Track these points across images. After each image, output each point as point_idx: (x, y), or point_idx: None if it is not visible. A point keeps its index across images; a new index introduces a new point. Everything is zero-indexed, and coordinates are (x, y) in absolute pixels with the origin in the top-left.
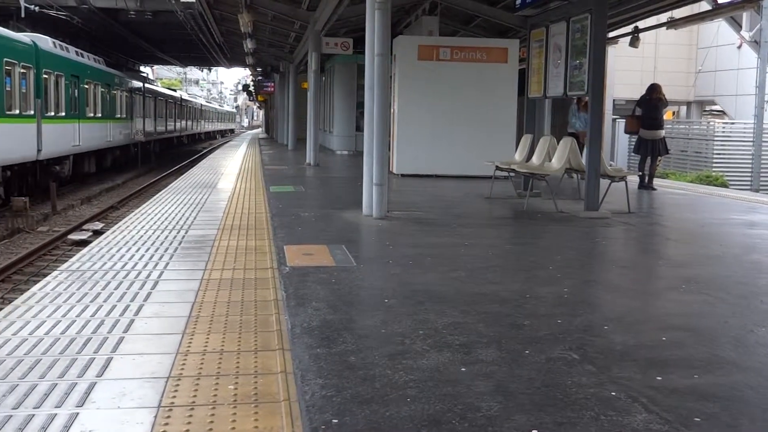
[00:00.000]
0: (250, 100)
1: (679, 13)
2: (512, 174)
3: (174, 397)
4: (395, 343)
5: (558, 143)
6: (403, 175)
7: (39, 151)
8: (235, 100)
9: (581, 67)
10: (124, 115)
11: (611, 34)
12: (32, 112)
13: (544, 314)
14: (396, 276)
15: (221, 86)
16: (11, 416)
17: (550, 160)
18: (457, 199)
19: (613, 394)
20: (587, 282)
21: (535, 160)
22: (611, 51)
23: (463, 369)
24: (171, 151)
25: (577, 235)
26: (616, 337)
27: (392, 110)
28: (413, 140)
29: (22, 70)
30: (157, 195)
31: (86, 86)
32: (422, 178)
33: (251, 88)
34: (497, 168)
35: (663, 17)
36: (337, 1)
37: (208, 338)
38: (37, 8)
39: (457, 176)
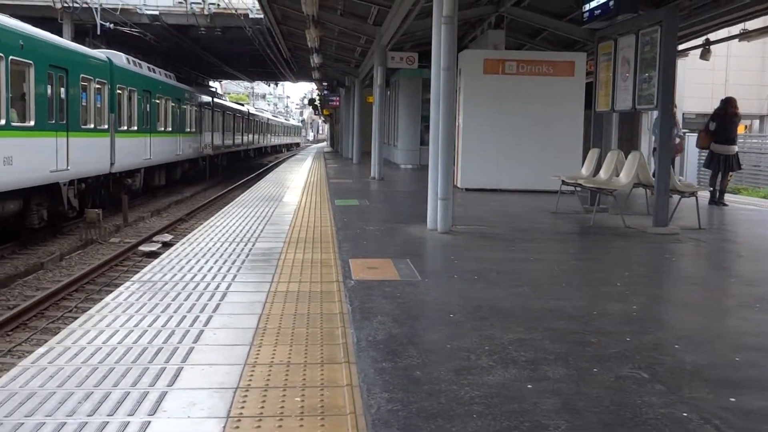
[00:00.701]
0: (315, 114)
1: (752, 24)
2: (579, 189)
3: (242, 408)
4: (461, 359)
5: (626, 157)
6: (467, 190)
7: (112, 164)
8: (301, 114)
9: (650, 81)
10: (194, 130)
11: (681, 47)
12: (106, 127)
13: (612, 331)
14: (461, 291)
15: (287, 100)
16: (86, 423)
17: (618, 175)
18: (522, 214)
19: (685, 415)
20: (656, 299)
21: (602, 174)
22: (681, 64)
23: (529, 386)
24: (238, 164)
25: (646, 251)
26: (687, 356)
27: (457, 124)
28: (478, 154)
29: (97, 86)
30: (224, 208)
31: (157, 101)
32: (487, 193)
33: (317, 103)
34: (563, 182)
35: (735, 29)
36: (404, 15)
37: (275, 350)
38: (112, 26)
39: (523, 191)
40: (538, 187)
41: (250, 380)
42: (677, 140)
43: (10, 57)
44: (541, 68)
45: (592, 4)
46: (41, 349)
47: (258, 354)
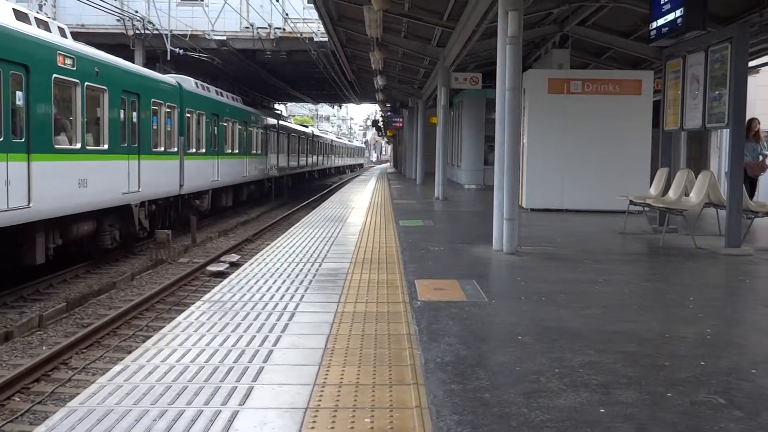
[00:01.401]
0: (378, 135)
1: None
2: (647, 209)
3: (312, 428)
4: (530, 381)
5: (695, 177)
6: (533, 210)
7: (181, 186)
8: (364, 135)
9: (721, 98)
10: (259, 152)
11: (752, 63)
12: (176, 150)
13: (685, 355)
14: (528, 312)
15: (351, 122)
16: None
17: (688, 194)
18: (589, 234)
19: None
20: (731, 322)
21: (671, 194)
22: (752, 81)
23: (601, 410)
24: (303, 185)
25: (718, 272)
26: (765, 381)
27: (522, 144)
28: (543, 174)
29: (167, 110)
30: (290, 229)
31: (225, 124)
32: (552, 213)
33: (380, 124)
34: (631, 202)
35: None
36: (467, 36)
37: (343, 371)
38: (181, 51)
39: (589, 211)
40: (604, 207)
41: (320, 400)
42: (760, 158)
43: (86, 83)
44: (607, 87)
45: (660, 22)
46: (117, 367)
47: (327, 374)
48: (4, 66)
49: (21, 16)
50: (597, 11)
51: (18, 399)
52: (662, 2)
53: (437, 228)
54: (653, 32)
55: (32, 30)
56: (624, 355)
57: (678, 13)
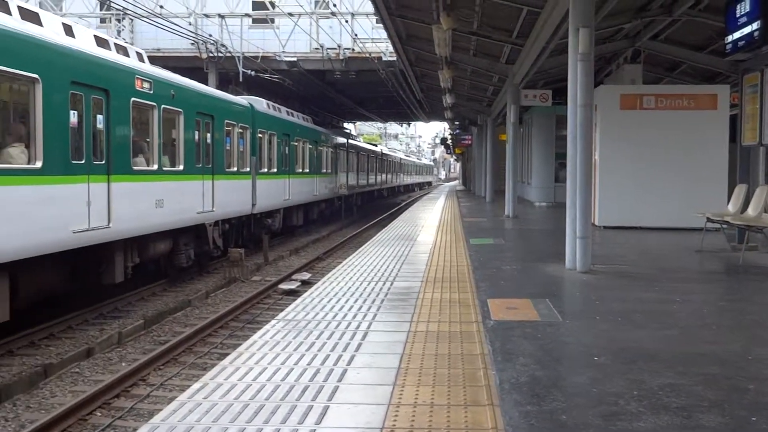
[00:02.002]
0: (447, 153)
1: None
2: (725, 226)
3: None
4: (608, 403)
5: None
6: (605, 228)
7: (254, 205)
8: (433, 153)
9: None
10: (329, 170)
11: None
12: (248, 170)
13: None
14: (604, 332)
15: (419, 140)
16: None
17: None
18: (664, 252)
19: None
20: None
21: (750, 211)
22: None
23: None
24: (372, 203)
25: None
26: None
27: (594, 160)
28: (616, 191)
29: (239, 131)
30: (361, 247)
31: (295, 143)
32: (626, 230)
33: (449, 141)
34: (708, 220)
35: None
36: (537, 53)
37: (418, 390)
38: (253, 73)
39: (664, 228)
40: (679, 225)
41: (395, 420)
42: None
43: (163, 106)
44: (681, 102)
45: (736, 36)
46: (196, 385)
47: (401, 394)
48: (86, 91)
49: (101, 42)
50: (670, 25)
51: (99, 414)
52: (738, 15)
53: (508, 246)
54: (729, 46)
55: (112, 55)
56: (704, 377)
57: (755, 26)
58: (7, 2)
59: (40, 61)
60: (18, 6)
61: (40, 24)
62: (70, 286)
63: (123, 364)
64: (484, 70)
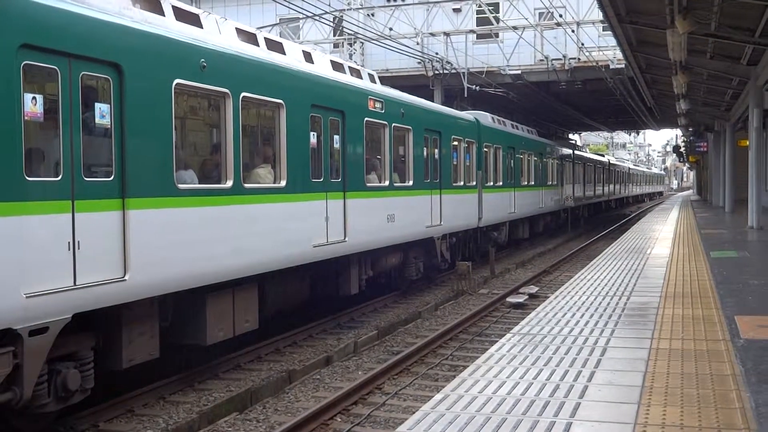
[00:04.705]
0: (679, 161)
1: None
2: None
3: None
4: None
5: None
6: None
7: (479, 218)
8: (663, 161)
9: None
10: (555, 182)
11: None
12: (474, 183)
13: None
14: None
15: (648, 148)
16: None
17: None
18: None
19: None
20: None
21: None
22: None
23: None
24: (598, 215)
25: None
26: None
27: None
28: None
29: (465, 145)
30: (592, 261)
31: (520, 156)
32: None
33: (681, 149)
34: None
35: None
36: None
37: (665, 411)
38: (477, 88)
39: None
40: None
41: None
42: None
43: (393, 124)
44: None
45: None
46: (438, 396)
47: (647, 414)
48: (324, 113)
49: (337, 66)
50: None
51: (339, 419)
52: None
53: (755, 260)
54: None
55: (347, 78)
56: None
57: None
58: (255, 35)
59: (285, 87)
60: (265, 37)
61: (284, 53)
62: (310, 297)
63: (359, 372)
64: (722, 74)
